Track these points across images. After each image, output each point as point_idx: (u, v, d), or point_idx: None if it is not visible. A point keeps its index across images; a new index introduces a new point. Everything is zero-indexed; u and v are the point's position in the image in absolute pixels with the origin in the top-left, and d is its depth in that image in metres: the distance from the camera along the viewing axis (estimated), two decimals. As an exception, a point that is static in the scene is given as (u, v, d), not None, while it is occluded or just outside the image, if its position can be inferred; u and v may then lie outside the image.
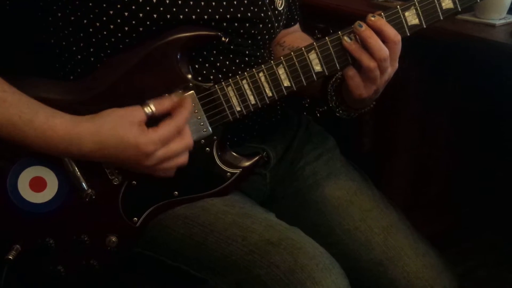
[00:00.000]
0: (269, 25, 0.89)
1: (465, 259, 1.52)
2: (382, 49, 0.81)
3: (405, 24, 0.82)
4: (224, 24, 0.84)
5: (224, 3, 0.83)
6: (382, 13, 0.82)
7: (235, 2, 0.84)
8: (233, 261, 0.80)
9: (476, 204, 1.57)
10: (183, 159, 0.80)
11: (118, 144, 0.76)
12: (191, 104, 0.80)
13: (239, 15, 0.84)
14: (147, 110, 0.77)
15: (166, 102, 0.79)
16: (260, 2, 0.87)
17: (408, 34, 0.83)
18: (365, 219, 0.93)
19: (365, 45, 0.81)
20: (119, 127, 0.76)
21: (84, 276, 0.86)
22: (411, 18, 0.82)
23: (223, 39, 0.82)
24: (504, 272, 1.50)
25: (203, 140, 0.84)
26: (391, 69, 0.83)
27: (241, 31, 0.86)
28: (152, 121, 0.78)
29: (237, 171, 0.87)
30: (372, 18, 0.81)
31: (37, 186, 0.82)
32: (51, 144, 0.75)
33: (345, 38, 0.82)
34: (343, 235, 0.93)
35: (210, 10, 0.82)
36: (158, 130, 0.77)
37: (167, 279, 0.88)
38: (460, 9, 0.83)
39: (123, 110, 0.77)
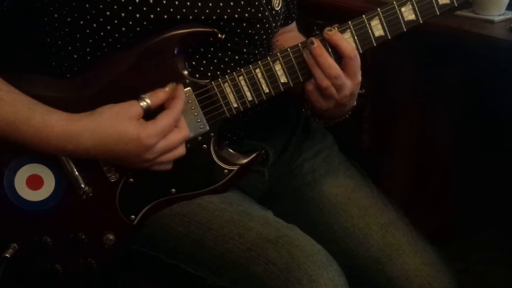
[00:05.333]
0: (267, 25, 0.89)
1: (464, 257, 1.52)
2: (332, 68, 0.81)
3: (401, 20, 0.82)
4: (221, 23, 0.83)
5: (221, 3, 0.83)
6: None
7: (231, 3, 0.84)
8: (230, 258, 0.80)
9: (475, 201, 1.56)
10: (181, 150, 0.80)
11: (119, 139, 0.76)
12: (185, 94, 0.80)
13: (236, 15, 0.84)
14: (143, 104, 0.77)
15: (161, 94, 0.79)
16: (257, 3, 0.87)
17: (405, 30, 0.83)
18: (363, 216, 0.93)
19: (316, 63, 0.81)
20: (119, 123, 0.76)
21: (82, 274, 0.85)
22: (408, 13, 0.82)
23: (219, 35, 0.82)
24: (504, 269, 1.50)
25: (200, 137, 0.84)
26: (351, 84, 0.83)
27: (238, 30, 0.86)
28: (149, 114, 0.78)
29: (235, 168, 0.87)
30: (329, 32, 0.82)
31: (34, 184, 0.81)
32: (47, 142, 0.75)
33: (305, 51, 0.82)
34: (341, 232, 0.93)
35: (207, 11, 0.82)
36: (157, 122, 0.77)
37: (164, 277, 0.88)
38: (456, 5, 0.83)
39: (120, 106, 0.77)
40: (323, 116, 0.93)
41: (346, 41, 0.82)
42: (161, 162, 0.80)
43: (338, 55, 0.82)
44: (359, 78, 0.84)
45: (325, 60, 0.81)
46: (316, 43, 0.81)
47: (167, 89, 0.79)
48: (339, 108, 0.86)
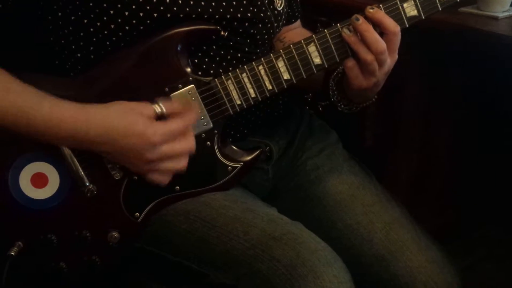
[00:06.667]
0: (269, 25, 0.89)
1: (468, 254, 1.52)
2: (378, 42, 0.81)
3: (403, 16, 0.83)
4: (224, 23, 0.84)
5: (224, 3, 0.83)
6: (381, 5, 0.82)
7: (234, 2, 0.84)
8: (234, 256, 0.80)
9: (479, 198, 1.56)
10: (182, 163, 0.80)
11: (125, 130, 0.76)
12: (198, 111, 0.81)
13: (238, 15, 0.85)
14: (156, 108, 0.78)
15: (176, 104, 0.79)
16: (259, 3, 0.87)
17: (407, 26, 0.83)
18: (367, 213, 0.93)
19: (362, 39, 0.81)
20: (129, 115, 0.76)
21: (87, 272, 0.85)
22: (410, 9, 0.83)
23: (222, 33, 0.83)
24: (508, 266, 1.50)
25: (203, 134, 0.84)
26: (390, 61, 0.84)
27: (240, 30, 0.86)
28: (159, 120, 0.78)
29: (238, 165, 0.87)
30: (371, 10, 0.82)
31: (38, 182, 0.82)
32: (57, 129, 0.75)
33: (345, 30, 0.83)
34: (345, 229, 0.92)
35: (210, 10, 0.82)
36: (166, 123, 0.78)
37: (168, 275, 0.88)
38: (458, 0, 0.83)
39: (133, 104, 0.77)
40: (351, 101, 0.92)
41: (389, 17, 0.82)
42: (160, 169, 0.79)
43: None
44: (396, 55, 0.84)
45: (372, 35, 0.81)
46: (361, 19, 0.81)
47: (183, 102, 0.80)
48: (372, 89, 0.86)
